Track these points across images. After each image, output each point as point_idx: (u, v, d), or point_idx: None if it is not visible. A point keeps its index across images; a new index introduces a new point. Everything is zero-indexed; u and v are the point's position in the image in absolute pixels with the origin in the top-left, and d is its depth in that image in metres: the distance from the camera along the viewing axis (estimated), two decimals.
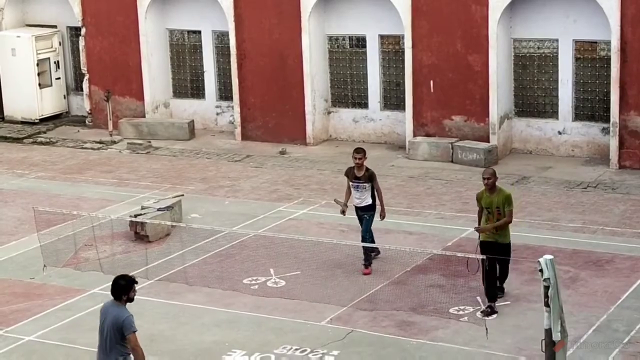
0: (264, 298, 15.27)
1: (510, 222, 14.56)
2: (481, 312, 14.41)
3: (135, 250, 17.62)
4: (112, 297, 11.17)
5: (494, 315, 14.26)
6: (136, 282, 11.21)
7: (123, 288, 11.06)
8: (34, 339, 14.33)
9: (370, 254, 16.29)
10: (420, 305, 14.70)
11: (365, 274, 16.06)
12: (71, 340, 14.10)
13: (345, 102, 25.36)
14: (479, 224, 14.75)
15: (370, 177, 16.33)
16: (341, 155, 23.92)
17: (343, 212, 16.59)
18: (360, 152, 16.51)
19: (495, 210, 14.46)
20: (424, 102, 23.62)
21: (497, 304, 14.53)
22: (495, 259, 14.34)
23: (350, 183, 16.45)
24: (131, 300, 11.13)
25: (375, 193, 16.40)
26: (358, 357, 13.29)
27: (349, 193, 16.60)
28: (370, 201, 16.34)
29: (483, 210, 14.65)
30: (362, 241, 16.16)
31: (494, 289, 14.51)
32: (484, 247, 14.51)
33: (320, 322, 14.43)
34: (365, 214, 16.34)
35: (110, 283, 11.19)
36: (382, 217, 16.46)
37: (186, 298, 15.47)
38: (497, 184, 14.70)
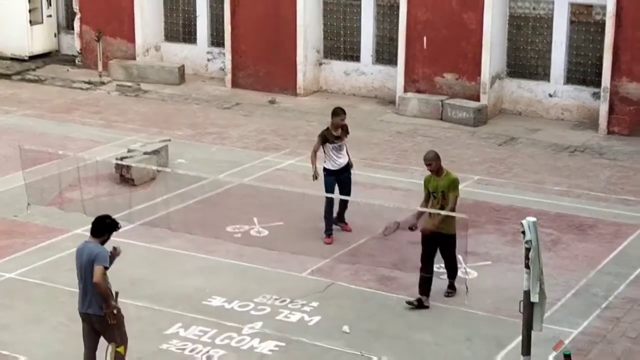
0: (246, 247, 15.29)
1: (454, 209, 13.37)
2: (407, 302, 13.39)
3: (120, 193, 17.58)
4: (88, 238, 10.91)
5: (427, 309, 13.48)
6: (119, 227, 10.98)
7: (107, 226, 10.82)
8: (15, 277, 14.34)
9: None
10: (401, 261, 14.74)
11: (344, 229, 15.97)
12: (52, 279, 14.12)
13: (337, 54, 25.22)
14: (419, 215, 13.57)
15: (347, 132, 15.92)
16: (331, 108, 23.64)
17: (316, 178, 15.67)
18: (345, 112, 15.98)
19: (440, 194, 13.40)
20: (416, 58, 23.51)
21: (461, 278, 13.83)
22: (435, 248, 13.43)
23: (332, 145, 15.62)
24: (105, 242, 10.84)
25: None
26: (337, 309, 13.35)
27: (315, 158, 15.70)
28: (347, 158, 15.91)
29: (430, 196, 13.59)
30: (344, 204, 15.78)
31: (429, 283, 13.48)
32: (427, 238, 13.46)
33: (301, 273, 14.48)
34: (347, 172, 15.83)
35: (92, 221, 10.99)
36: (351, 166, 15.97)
37: (169, 243, 15.48)
38: (445, 168, 13.73)
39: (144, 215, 16.53)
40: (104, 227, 10.82)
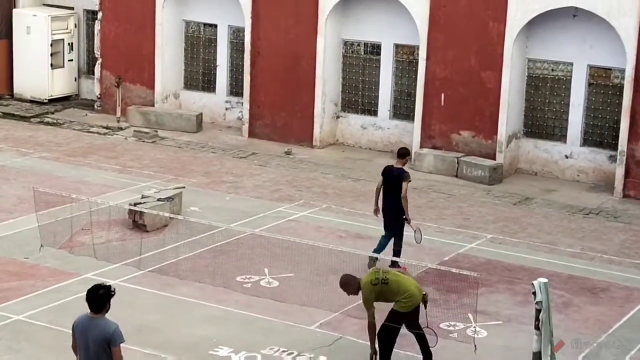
0: (255, 297, 15.22)
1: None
2: None
3: (131, 239, 17.57)
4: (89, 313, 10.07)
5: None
6: (114, 292, 10.08)
7: (103, 298, 9.95)
8: (23, 319, 14.28)
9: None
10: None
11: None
12: (60, 323, 14.05)
13: (355, 107, 25.31)
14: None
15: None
16: (346, 160, 23.89)
17: (376, 212, 16.52)
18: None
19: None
20: (433, 114, 23.56)
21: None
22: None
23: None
24: (108, 310, 10.04)
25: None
26: None
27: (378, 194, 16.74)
28: None
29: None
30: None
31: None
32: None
33: (310, 325, 14.38)
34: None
35: (86, 293, 10.03)
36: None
37: (178, 291, 15.42)
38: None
39: (155, 262, 16.50)
40: (101, 300, 9.97)
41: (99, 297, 9.97)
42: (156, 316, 14.53)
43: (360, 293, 12.84)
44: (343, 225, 19.01)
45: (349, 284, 12.89)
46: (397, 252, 16.41)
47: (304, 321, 14.48)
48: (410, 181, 16.51)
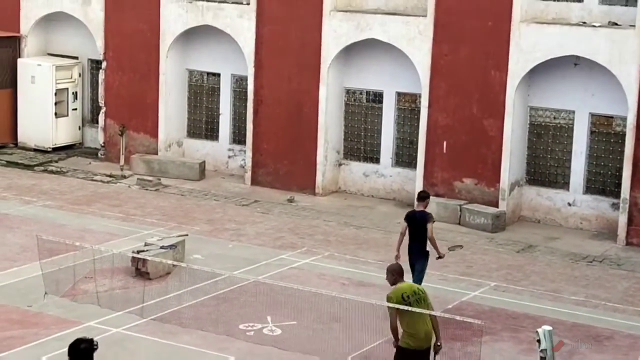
0: (258, 345, 15.16)
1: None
2: None
3: (134, 287, 17.55)
4: None
5: None
6: (96, 346, 9.79)
7: (85, 352, 9.65)
8: None
9: None
10: None
11: None
12: None
13: (357, 155, 25.39)
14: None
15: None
16: (349, 208, 23.92)
17: (397, 258, 16.53)
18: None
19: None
20: (435, 162, 23.63)
21: None
22: None
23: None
24: None
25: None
26: None
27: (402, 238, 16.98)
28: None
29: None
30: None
31: None
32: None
33: None
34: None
35: (69, 346, 9.76)
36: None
37: (181, 339, 15.37)
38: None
39: (157, 310, 16.46)
40: (83, 354, 9.66)
41: (81, 351, 9.64)
42: None
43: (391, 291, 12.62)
44: (346, 273, 18.99)
45: (390, 273, 12.88)
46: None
47: None
48: (434, 221, 16.91)
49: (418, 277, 16.71)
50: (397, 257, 16.60)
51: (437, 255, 16.84)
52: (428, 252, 16.86)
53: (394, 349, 12.67)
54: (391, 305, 12.41)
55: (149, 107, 26.94)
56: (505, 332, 16.25)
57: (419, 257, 16.89)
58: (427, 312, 12.52)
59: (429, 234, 16.68)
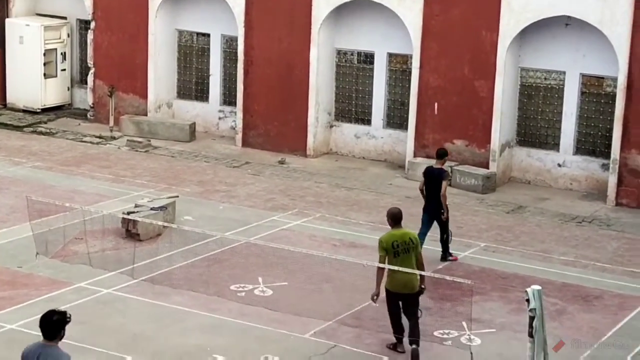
0: (249, 306, 15.20)
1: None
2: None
3: (125, 248, 17.55)
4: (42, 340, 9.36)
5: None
6: (69, 318, 9.35)
7: (58, 324, 9.24)
8: (16, 328, 14.24)
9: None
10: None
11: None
12: None
13: (349, 117, 25.34)
14: None
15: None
16: (340, 170, 23.91)
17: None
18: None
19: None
20: (427, 123, 23.60)
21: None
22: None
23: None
24: (62, 337, 9.32)
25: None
26: None
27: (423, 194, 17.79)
28: None
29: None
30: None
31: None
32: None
33: (304, 334, 14.36)
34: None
35: (39, 319, 9.42)
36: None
37: (171, 300, 15.40)
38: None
39: (148, 271, 16.48)
40: (55, 326, 9.24)
41: (53, 323, 9.23)
42: (150, 325, 14.50)
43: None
44: (337, 234, 19.02)
45: (388, 217, 13.86)
46: (446, 242, 17.55)
47: (298, 330, 14.46)
48: (450, 179, 17.79)
49: (442, 233, 17.53)
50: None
51: (445, 215, 17.38)
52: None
53: (373, 298, 13.69)
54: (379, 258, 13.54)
55: (138, 68, 26.80)
56: (494, 292, 16.33)
57: (433, 216, 17.53)
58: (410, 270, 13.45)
59: (442, 191, 17.31)
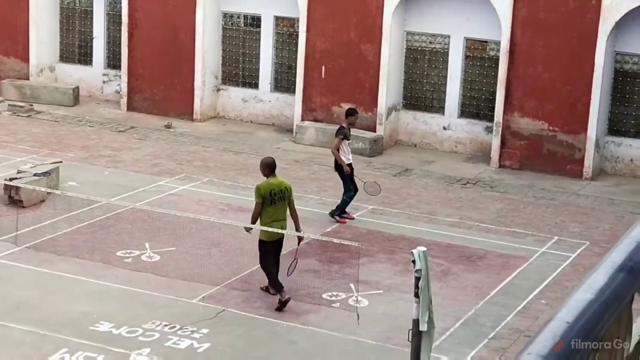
0: (136, 272, 15.05)
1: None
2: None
3: (7, 215, 17.15)
4: None
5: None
6: None
7: None
8: None
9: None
10: (293, 289, 14.68)
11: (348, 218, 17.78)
12: None
13: (236, 80, 25.19)
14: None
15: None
16: (227, 134, 23.79)
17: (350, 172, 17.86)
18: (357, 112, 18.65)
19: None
20: (314, 87, 23.63)
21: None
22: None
23: (348, 141, 17.94)
24: None
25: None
26: (228, 336, 13.22)
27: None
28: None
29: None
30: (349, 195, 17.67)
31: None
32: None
33: (192, 299, 14.30)
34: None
35: None
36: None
37: (57, 267, 15.14)
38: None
39: (32, 238, 16.15)
40: None
41: None
42: (34, 293, 14.24)
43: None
44: (225, 199, 18.94)
45: (263, 166, 14.45)
46: (342, 202, 17.77)
47: (186, 295, 14.39)
48: (343, 136, 17.78)
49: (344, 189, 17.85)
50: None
51: (346, 170, 17.81)
52: (340, 166, 17.74)
53: (247, 233, 14.55)
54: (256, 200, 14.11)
55: (19, 31, 26.10)
56: (382, 253, 16.51)
57: (339, 170, 18.02)
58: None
59: (333, 147, 17.89)
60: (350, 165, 17.80)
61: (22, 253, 15.52)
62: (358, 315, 13.45)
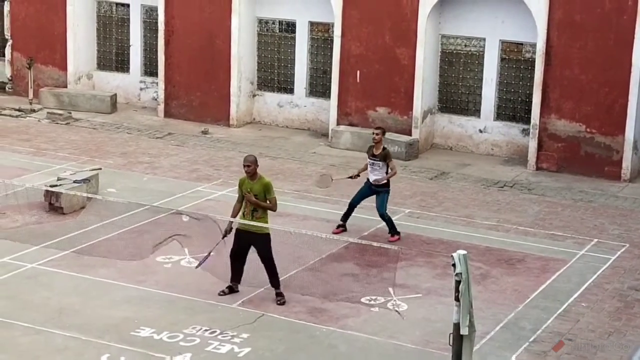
0: (176, 277, 15.16)
1: (274, 209, 14.49)
2: (219, 292, 14.50)
3: (49, 222, 17.33)
4: None
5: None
6: None
7: None
8: None
9: (392, 225, 17.22)
10: (332, 292, 14.73)
11: (391, 241, 16.97)
12: None
13: (271, 86, 25.29)
14: (234, 215, 14.44)
15: (385, 157, 17.14)
16: (263, 139, 23.89)
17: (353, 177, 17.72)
18: (378, 129, 17.44)
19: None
20: (349, 91, 23.67)
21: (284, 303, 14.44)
22: (247, 247, 14.36)
23: (368, 160, 17.30)
24: None
25: (389, 170, 17.16)
26: (267, 341, 13.28)
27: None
28: (384, 180, 17.15)
29: (243, 198, 14.40)
30: (380, 216, 17.16)
31: (238, 274, 14.58)
32: (239, 236, 14.35)
33: (232, 304, 14.38)
34: (380, 190, 17.16)
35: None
36: (383, 180, 17.15)
37: (97, 272, 15.28)
38: (258, 172, 14.52)
39: (73, 244, 16.30)
40: None
41: None
42: (76, 298, 14.38)
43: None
44: None
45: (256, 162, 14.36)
46: (389, 220, 17.40)
47: (226, 300, 14.47)
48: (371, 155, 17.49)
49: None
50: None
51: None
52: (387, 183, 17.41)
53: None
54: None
55: (57, 39, 26.37)
56: (420, 257, 16.51)
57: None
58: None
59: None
60: (358, 176, 17.73)
61: (63, 259, 15.67)
62: (400, 313, 13.45)
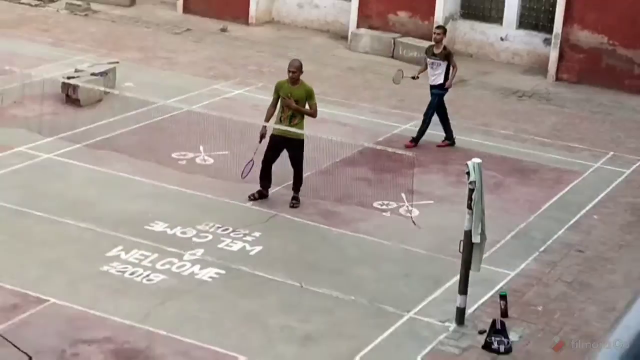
0: (190, 174, 15.22)
1: (315, 116, 14.45)
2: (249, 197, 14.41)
3: (65, 113, 17.36)
4: None
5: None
6: None
7: None
8: None
9: (422, 132, 17.14)
10: (345, 196, 14.79)
11: (407, 146, 16.84)
12: None
13: None
14: (268, 118, 14.35)
15: (447, 56, 17.05)
16: (282, 39, 23.70)
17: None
18: (439, 27, 17.57)
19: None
20: None
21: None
22: (279, 152, 14.29)
23: (428, 60, 17.16)
24: None
25: (451, 70, 17.06)
26: (279, 240, 13.39)
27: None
28: (441, 80, 17.03)
29: (278, 101, 14.31)
30: (424, 115, 17.11)
31: (267, 179, 14.47)
32: (275, 141, 14.27)
33: (245, 203, 14.46)
34: (434, 90, 17.11)
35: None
36: (448, 87, 17.11)
37: (113, 166, 15.34)
38: (301, 78, 14.40)
39: (89, 137, 16.35)
40: None
41: None
42: (90, 191, 14.48)
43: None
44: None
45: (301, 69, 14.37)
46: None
47: (239, 198, 14.55)
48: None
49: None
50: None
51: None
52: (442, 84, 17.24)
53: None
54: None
55: None
56: (434, 164, 16.50)
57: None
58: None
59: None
60: (417, 77, 17.60)
61: (79, 151, 15.72)
62: (414, 221, 13.54)
